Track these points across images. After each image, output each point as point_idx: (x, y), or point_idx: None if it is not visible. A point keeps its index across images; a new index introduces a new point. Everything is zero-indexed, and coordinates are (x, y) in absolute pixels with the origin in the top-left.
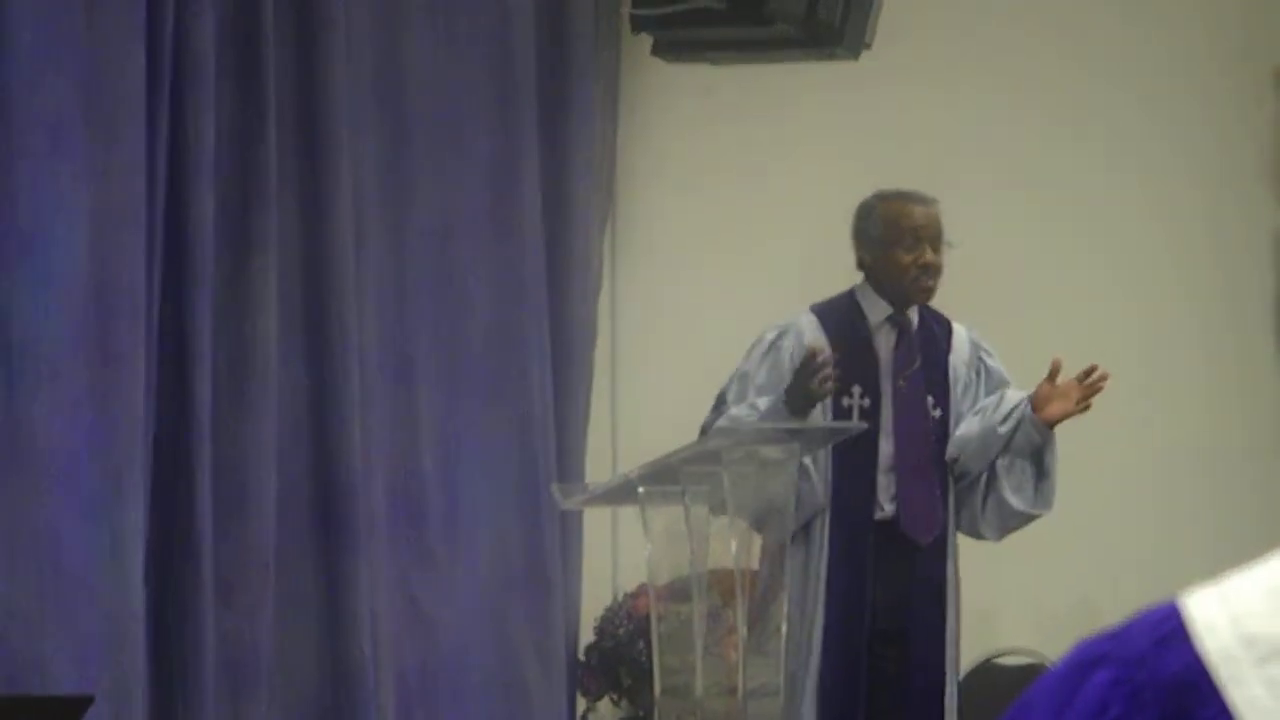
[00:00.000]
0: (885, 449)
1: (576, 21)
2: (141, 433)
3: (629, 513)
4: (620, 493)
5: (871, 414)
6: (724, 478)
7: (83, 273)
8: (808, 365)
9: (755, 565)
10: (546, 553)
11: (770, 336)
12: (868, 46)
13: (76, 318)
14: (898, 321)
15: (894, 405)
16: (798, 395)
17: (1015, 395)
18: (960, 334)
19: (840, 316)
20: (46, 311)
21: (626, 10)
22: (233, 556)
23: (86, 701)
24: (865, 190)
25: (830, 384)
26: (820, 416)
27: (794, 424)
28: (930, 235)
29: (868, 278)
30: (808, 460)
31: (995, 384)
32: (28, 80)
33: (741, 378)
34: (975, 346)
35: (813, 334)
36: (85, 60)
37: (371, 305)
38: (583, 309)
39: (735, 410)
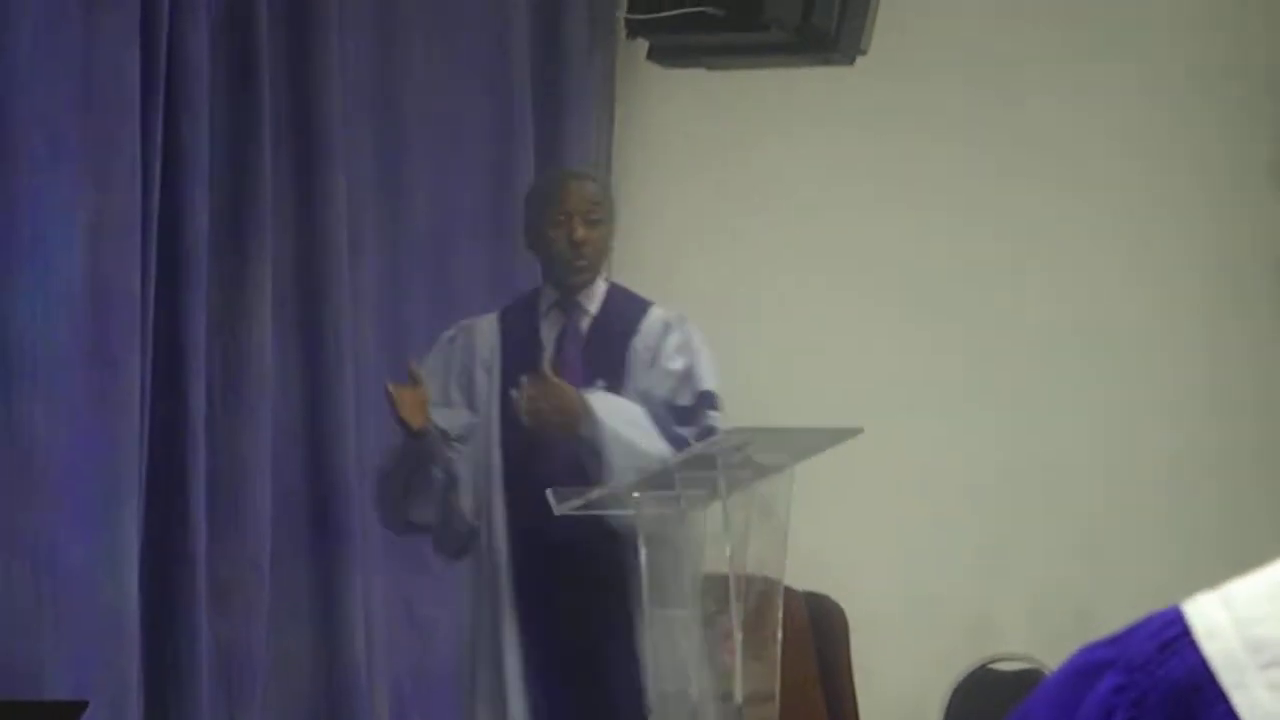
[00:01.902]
0: None
1: (572, 27)
2: (137, 438)
3: None
4: (615, 498)
5: None
6: (720, 482)
7: (79, 279)
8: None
9: (750, 570)
10: None
11: (448, 335)
12: (863, 52)
13: (73, 323)
14: (565, 307)
15: None
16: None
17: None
18: (655, 316)
19: (518, 308)
20: (43, 317)
21: (622, 16)
22: (228, 561)
23: (81, 706)
24: (862, 194)
25: (419, 419)
26: (489, 409)
27: None
28: (582, 209)
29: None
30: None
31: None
32: (25, 88)
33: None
34: (666, 329)
35: (486, 329)
36: (81, 68)
37: (367, 310)
38: None
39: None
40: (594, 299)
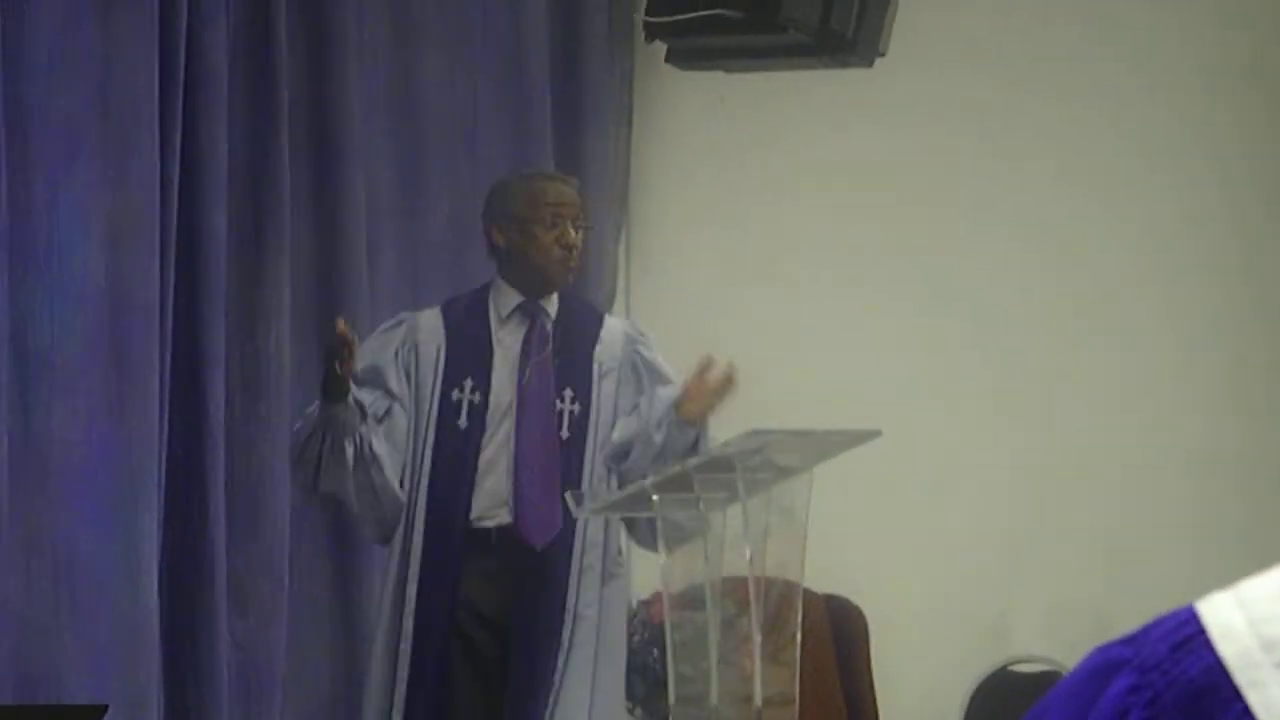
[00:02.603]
0: (494, 448)
1: (590, 30)
2: (156, 442)
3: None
4: (635, 501)
5: (480, 411)
6: (739, 485)
7: (98, 282)
8: (332, 346)
9: (769, 573)
10: None
11: (387, 325)
12: (881, 55)
13: (91, 327)
14: (530, 311)
15: (518, 401)
16: (327, 379)
17: (667, 394)
18: (613, 326)
19: (464, 307)
20: (62, 321)
21: (640, 18)
22: (247, 565)
23: (101, 710)
24: (879, 195)
25: (347, 365)
26: (426, 414)
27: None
28: (571, 214)
29: (501, 266)
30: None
31: (657, 377)
32: (43, 92)
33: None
34: (630, 340)
35: (429, 324)
36: (99, 71)
37: (385, 313)
38: None
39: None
40: (553, 303)
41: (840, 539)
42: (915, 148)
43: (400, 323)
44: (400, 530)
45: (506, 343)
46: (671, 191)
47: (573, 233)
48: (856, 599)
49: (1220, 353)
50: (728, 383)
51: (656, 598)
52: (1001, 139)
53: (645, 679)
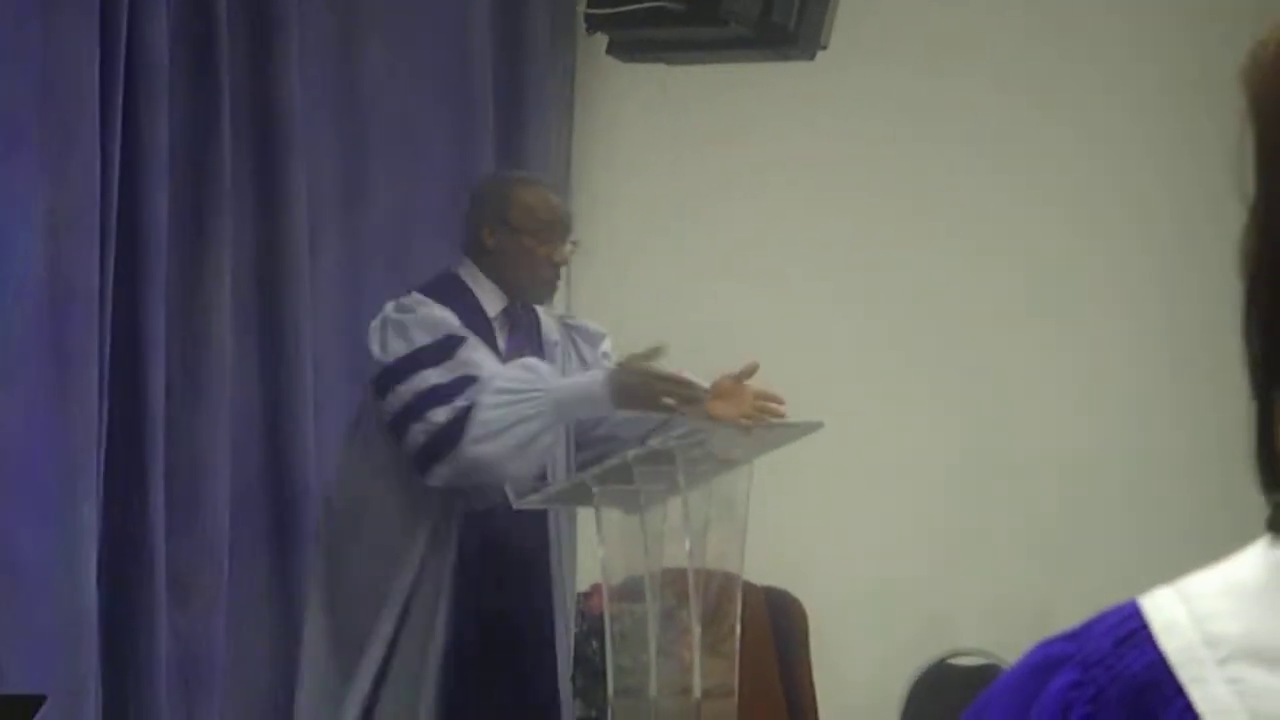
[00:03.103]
0: None
1: (532, 21)
2: (95, 432)
3: (584, 512)
4: (575, 492)
5: None
6: (679, 477)
7: (37, 273)
8: (681, 384)
9: (709, 564)
10: None
11: (417, 307)
12: (823, 48)
13: (31, 318)
14: (512, 313)
15: None
16: (635, 394)
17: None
18: (545, 315)
19: (453, 298)
20: (1, 311)
21: (581, 10)
22: (187, 556)
23: (39, 701)
24: (823, 188)
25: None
26: None
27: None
28: (565, 230)
29: (481, 262)
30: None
31: (593, 338)
32: None
33: (419, 350)
34: (558, 317)
35: (446, 314)
36: (40, 61)
37: (326, 306)
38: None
39: (507, 383)
40: None
41: (780, 531)
42: (858, 141)
43: (424, 307)
44: (429, 519)
45: (500, 340)
46: (613, 185)
47: (566, 252)
48: (796, 591)
49: (1163, 350)
50: (765, 409)
51: (595, 589)
52: (945, 133)
53: (584, 671)
